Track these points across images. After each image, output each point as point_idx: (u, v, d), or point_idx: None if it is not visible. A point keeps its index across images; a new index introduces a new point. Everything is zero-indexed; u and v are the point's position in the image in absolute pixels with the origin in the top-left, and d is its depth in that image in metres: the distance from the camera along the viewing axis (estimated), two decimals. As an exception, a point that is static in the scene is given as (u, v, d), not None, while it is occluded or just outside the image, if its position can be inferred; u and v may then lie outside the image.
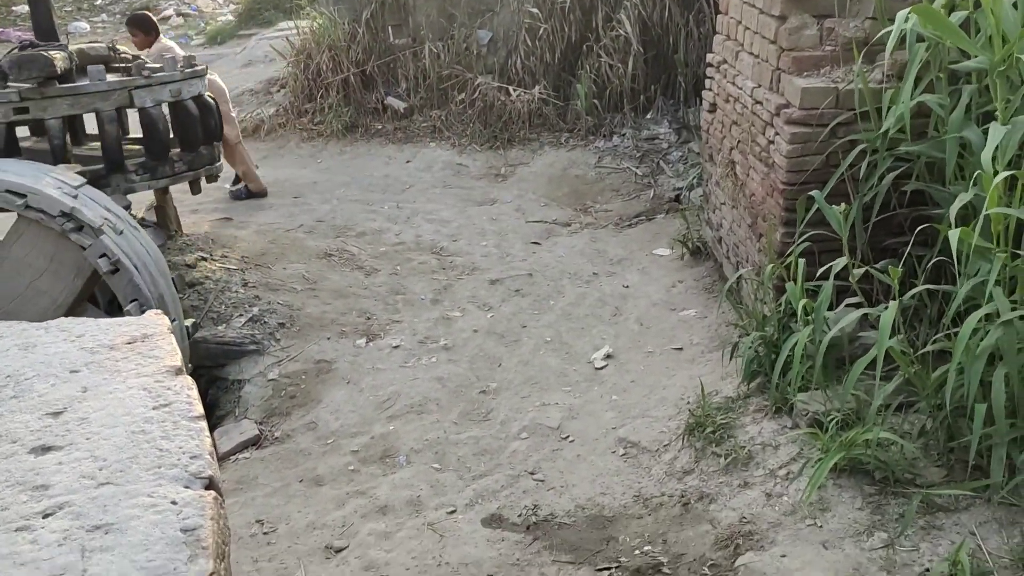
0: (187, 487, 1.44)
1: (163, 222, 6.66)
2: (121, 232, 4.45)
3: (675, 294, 5.84)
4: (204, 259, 6.47)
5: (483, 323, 5.81)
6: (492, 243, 7.14)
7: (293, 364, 5.48)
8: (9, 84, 5.17)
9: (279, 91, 10.53)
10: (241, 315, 5.89)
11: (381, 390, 5.13)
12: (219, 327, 5.76)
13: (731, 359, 4.49)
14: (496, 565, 3.65)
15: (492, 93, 9.06)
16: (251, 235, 7.10)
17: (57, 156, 5.35)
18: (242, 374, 5.46)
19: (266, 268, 6.53)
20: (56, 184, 4.37)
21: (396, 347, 5.59)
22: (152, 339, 1.89)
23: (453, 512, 4.03)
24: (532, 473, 4.26)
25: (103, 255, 4.28)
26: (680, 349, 5.13)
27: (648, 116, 8.86)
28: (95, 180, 5.50)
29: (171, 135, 6.03)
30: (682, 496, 3.85)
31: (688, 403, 4.41)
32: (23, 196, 4.18)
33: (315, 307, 6.07)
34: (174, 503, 1.40)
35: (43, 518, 1.38)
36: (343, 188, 8.44)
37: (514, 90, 9.04)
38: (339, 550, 3.88)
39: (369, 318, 5.98)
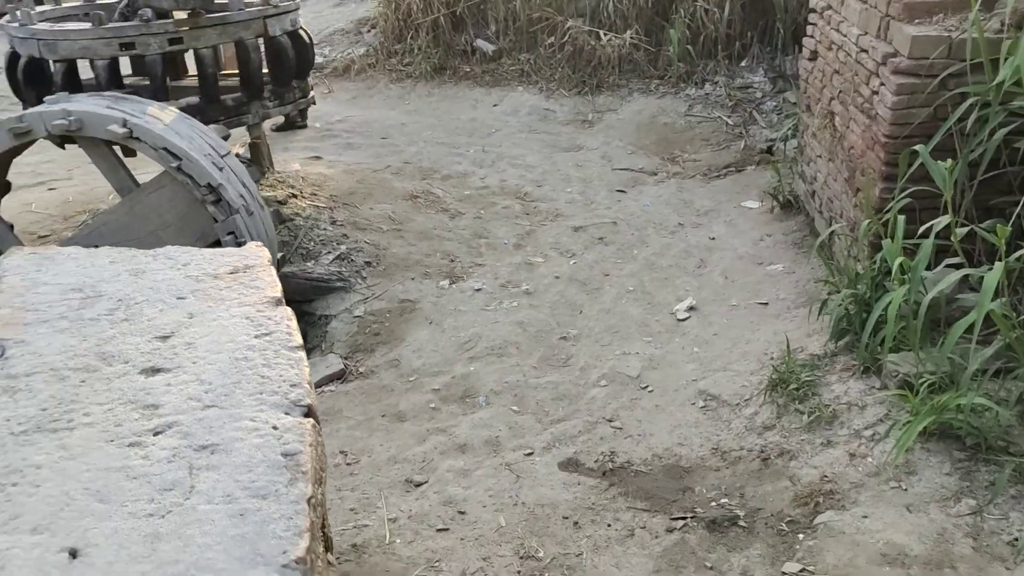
0: (287, 414, 1.50)
1: (256, 159, 6.81)
2: (251, 213, 4.59)
3: (762, 248, 5.72)
4: (295, 196, 6.61)
5: (565, 270, 5.81)
6: (577, 190, 7.09)
7: (378, 302, 5.59)
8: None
9: (369, 31, 10.56)
10: (329, 252, 6.02)
11: (463, 331, 5.20)
12: (308, 263, 5.91)
13: (819, 316, 4.39)
14: (571, 508, 3.69)
15: (582, 37, 8.90)
16: (340, 174, 7.21)
17: (208, 84, 5.52)
18: (329, 310, 5.60)
19: (354, 207, 6.63)
20: (207, 150, 4.51)
21: (478, 290, 5.64)
22: (253, 270, 1.95)
23: (531, 454, 4.09)
24: (610, 420, 4.28)
25: (231, 232, 4.45)
26: (765, 304, 5.04)
27: (743, 64, 8.59)
28: (237, 107, 5.69)
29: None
30: (762, 451, 3.82)
31: (771, 359, 4.34)
32: (179, 159, 4.34)
33: (400, 247, 6.15)
34: (275, 428, 1.46)
35: (153, 435, 1.45)
36: (430, 130, 8.47)
37: (605, 34, 8.86)
38: (419, 484, 3.98)
39: (452, 260, 6.04)
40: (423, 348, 5.10)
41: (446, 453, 4.18)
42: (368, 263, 5.96)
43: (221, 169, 4.50)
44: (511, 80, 9.29)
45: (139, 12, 5.28)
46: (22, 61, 5.35)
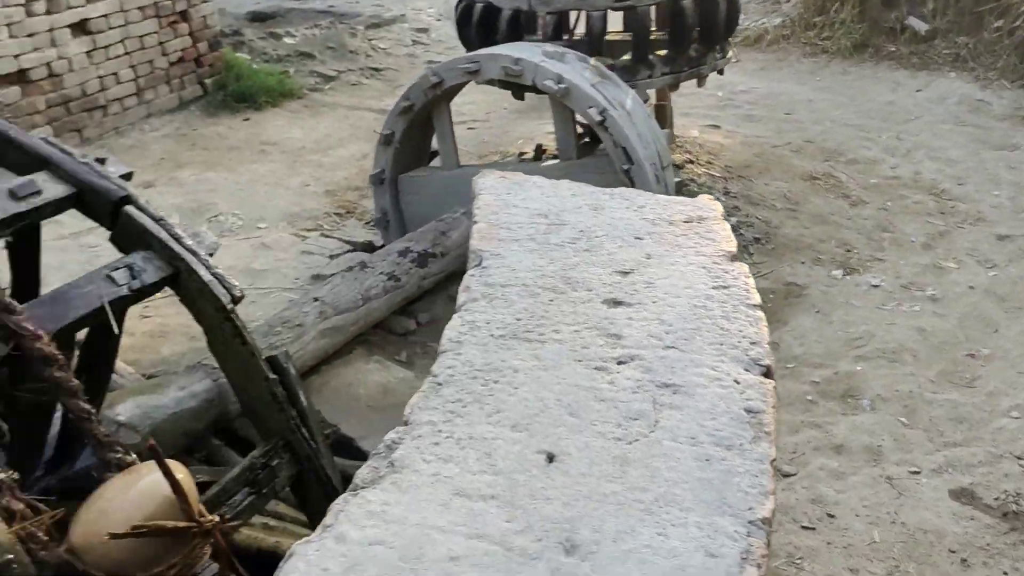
0: (747, 370, 1.46)
1: (659, 121, 6.88)
2: None
3: None
4: (691, 162, 6.59)
5: (982, 280, 5.18)
6: (1006, 194, 6.26)
7: (762, 281, 5.40)
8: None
9: (788, 1, 10.14)
10: (718, 223, 5.94)
11: (852, 327, 4.86)
12: (695, 230, 5.87)
13: None
14: (960, 543, 3.32)
15: (1041, 22, 7.76)
16: (737, 145, 7.06)
17: (681, 37, 5.75)
18: (711, 280, 5.53)
19: (748, 181, 6.46)
20: (655, 159, 4.56)
21: (875, 286, 5.24)
22: (707, 222, 1.93)
23: (916, 473, 3.73)
24: (1019, 458, 3.75)
25: None
26: None
27: None
28: (697, 59, 5.92)
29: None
30: None
31: None
32: (631, 163, 4.47)
33: (792, 228, 5.89)
34: (737, 382, 1.43)
35: (617, 364, 1.49)
36: (839, 110, 7.97)
37: (1070, 21, 7.65)
38: (787, 475, 3.81)
39: (849, 250, 5.66)
40: (806, 336, 4.85)
41: (819, 450, 3.95)
42: (757, 239, 5.78)
43: (658, 182, 4.51)
44: (941, 64, 8.39)
45: None
46: (506, 14, 5.77)
